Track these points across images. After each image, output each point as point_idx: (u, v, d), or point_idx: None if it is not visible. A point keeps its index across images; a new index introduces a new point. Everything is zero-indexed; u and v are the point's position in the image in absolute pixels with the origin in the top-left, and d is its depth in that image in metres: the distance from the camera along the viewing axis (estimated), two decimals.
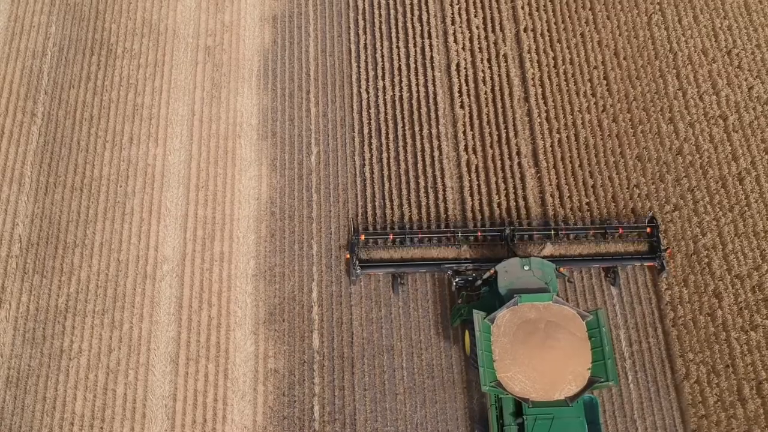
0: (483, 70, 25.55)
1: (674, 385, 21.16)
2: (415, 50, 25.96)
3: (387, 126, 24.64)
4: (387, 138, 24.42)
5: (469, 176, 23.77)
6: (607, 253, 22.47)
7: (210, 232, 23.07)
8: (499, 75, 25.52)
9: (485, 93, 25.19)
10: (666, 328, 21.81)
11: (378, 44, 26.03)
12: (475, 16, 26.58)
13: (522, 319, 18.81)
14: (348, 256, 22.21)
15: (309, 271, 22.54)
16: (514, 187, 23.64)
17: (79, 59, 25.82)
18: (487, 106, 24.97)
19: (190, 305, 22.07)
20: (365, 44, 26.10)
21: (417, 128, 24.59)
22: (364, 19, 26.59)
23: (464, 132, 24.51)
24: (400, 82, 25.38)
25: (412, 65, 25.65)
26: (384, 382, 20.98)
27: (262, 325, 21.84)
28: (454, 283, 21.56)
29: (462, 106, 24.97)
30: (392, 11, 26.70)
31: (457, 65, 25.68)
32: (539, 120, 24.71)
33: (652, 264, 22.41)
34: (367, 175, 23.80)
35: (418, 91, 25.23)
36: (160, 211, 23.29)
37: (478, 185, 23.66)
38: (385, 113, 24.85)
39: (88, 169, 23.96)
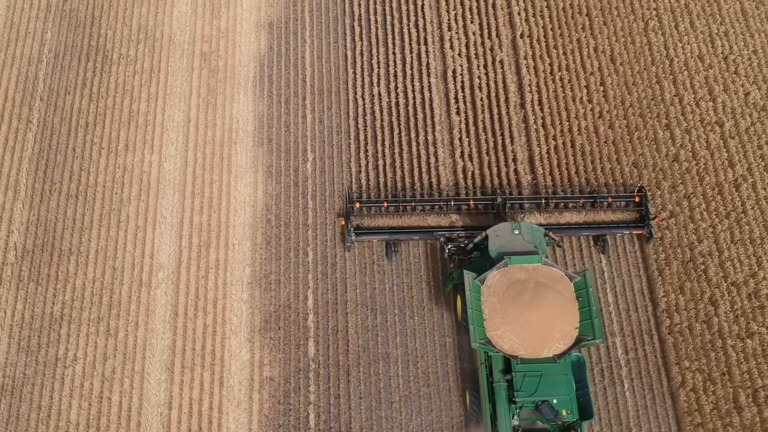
0: (479, 77, 25.54)
1: (670, 393, 21.13)
2: (412, 56, 25.93)
3: (383, 133, 24.61)
4: (383, 145, 24.38)
5: (465, 182, 23.74)
6: (596, 222, 22.80)
7: (205, 240, 23.03)
8: (496, 81, 25.49)
9: (481, 99, 25.17)
10: (662, 335, 21.78)
11: (374, 50, 26.01)
12: (472, 23, 26.55)
13: (511, 280, 19.18)
14: (343, 222, 22.49)
15: (305, 278, 22.50)
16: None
17: (74, 66, 25.78)
18: (483, 112, 24.94)
19: (185, 313, 22.03)
20: (361, 50, 26.05)
21: (413, 135, 24.57)
22: (360, 26, 26.55)
23: (460, 139, 24.47)
24: (396, 88, 25.35)
25: (409, 71, 25.62)
26: (380, 390, 20.93)
27: (257, 332, 21.79)
28: (447, 250, 21.71)
29: (458, 113, 24.94)
30: (388, 17, 26.66)
31: (454, 71, 25.65)
32: (535, 126, 24.67)
33: (640, 232, 22.65)
34: (363, 182, 23.76)
35: (414, 98, 25.20)
36: (156, 219, 23.24)
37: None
38: (381, 120, 24.82)
39: (83, 176, 23.92)
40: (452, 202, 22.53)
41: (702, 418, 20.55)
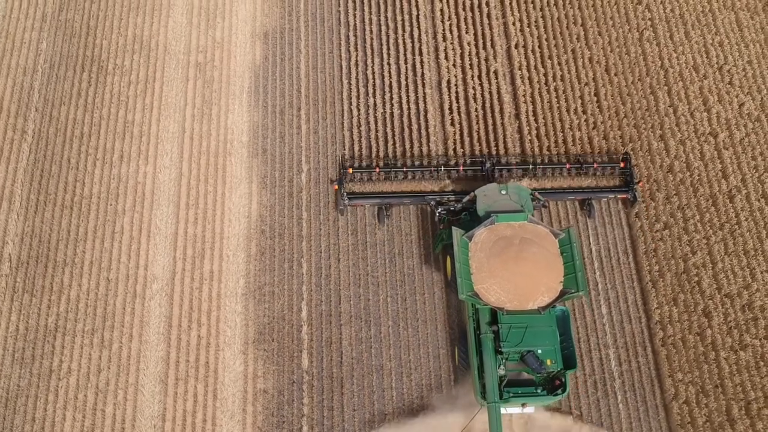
0: (474, 87, 25.56)
1: (663, 405, 21.15)
2: (406, 67, 25.97)
3: (377, 143, 24.63)
4: (377, 156, 24.39)
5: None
6: (582, 187, 23.56)
7: (200, 251, 23.06)
8: (490, 92, 25.52)
9: (476, 110, 25.20)
10: (655, 347, 21.81)
11: (369, 61, 26.05)
12: (467, 33, 26.59)
13: (498, 236, 20.01)
14: (336, 187, 23.07)
15: (299, 290, 22.53)
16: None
17: (69, 76, 25.81)
18: (477, 123, 24.97)
19: (179, 325, 22.06)
20: (356, 61, 26.10)
21: (408, 145, 24.60)
22: (355, 36, 26.59)
23: (455, 149, 24.50)
24: (391, 99, 25.38)
25: (403, 82, 25.66)
26: (373, 403, 20.97)
27: (251, 344, 21.82)
28: (437, 214, 22.48)
29: (453, 124, 24.96)
30: (383, 27, 26.71)
31: (448, 82, 25.69)
32: (530, 137, 24.69)
33: (624, 196, 23.28)
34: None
35: (408, 108, 25.23)
36: (150, 230, 23.28)
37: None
38: (376, 131, 24.84)
39: (78, 187, 23.95)
40: (442, 168, 23.30)
41: (695, 430, 20.58)
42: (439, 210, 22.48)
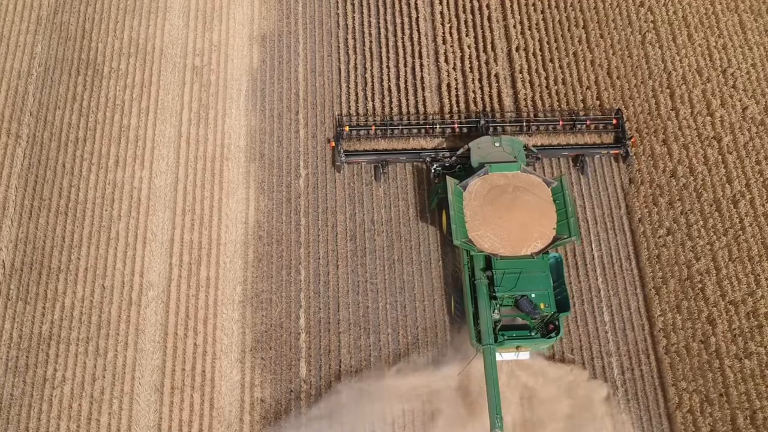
0: (474, 91, 25.22)
1: (667, 414, 20.84)
2: (406, 70, 25.64)
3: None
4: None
5: None
6: (575, 144, 23.94)
7: (196, 257, 22.74)
8: (491, 95, 25.18)
9: (477, 113, 24.84)
10: (659, 355, 21.49)
11: (368, 64, 25.72)
12: (467, 36, 26.26)
13: (492, 185, 20.58)
14: (332, 144, 23.40)
15: (296, 297, 22.21)
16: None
17: (65, 80, 25.47)
18: None
19: (175, 332, 21.73)
20: (355, 64, 25.76)
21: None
22: (354, 39, 26.26)
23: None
24: (390, 102, 25.03)
25: (402, 85, 25.33)
26: (372, 413, 20.61)
27: (248, 352, 21.50)
28: (433, 170, 22.85)
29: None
30: (383, 30, 26.38)
31: (448, 85, 25.34)
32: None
33: (617, 152, 23.60)
34: (356, 200, 23.50)
35: (408, 112, 24.88)
36: (146, 236, 22.94)
37: None
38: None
39: (73, 193, 23.62)
40: (438, 126, 23.63)
41: None
42: (435, 166, 22.79)
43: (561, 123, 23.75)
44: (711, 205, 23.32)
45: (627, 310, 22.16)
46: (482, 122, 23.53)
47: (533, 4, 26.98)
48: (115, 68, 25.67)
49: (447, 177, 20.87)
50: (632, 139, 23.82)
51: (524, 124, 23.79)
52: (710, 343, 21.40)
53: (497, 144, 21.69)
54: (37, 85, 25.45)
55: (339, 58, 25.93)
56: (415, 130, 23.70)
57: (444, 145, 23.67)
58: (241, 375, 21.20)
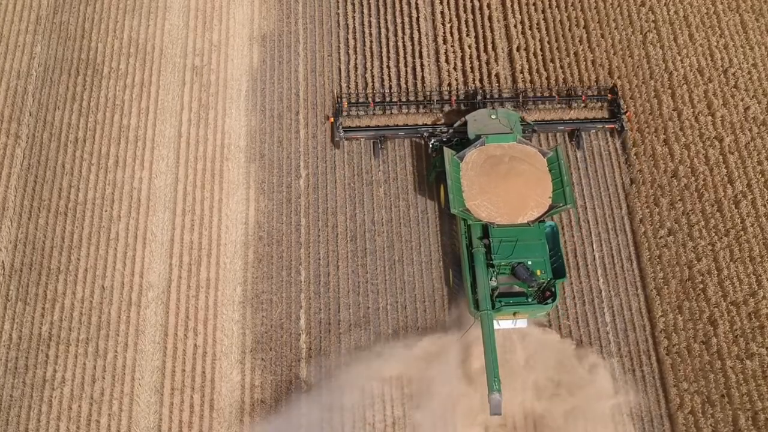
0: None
1: (668, 415, 20.78)
2: (406, 70, 25.55)
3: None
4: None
5: None
6: (571, 119, 24.39)
7: (196, 258, 22.67)
8: (492, 95, 25.07)
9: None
10: (660, 356, 21.43)
11: (368, 64, 25.63)
12: (467, 36, 26.18)
13: (488, 155, 21.04)
14: (331, 119, 23.78)
15: (297, 298, 22.14)
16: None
17: (64, 80, 25.39)
18: None
19: (175, 333, 21.66)
20: (355, 64, 25.69)
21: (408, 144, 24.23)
22: (354, 38, 26.18)
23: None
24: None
25: (403, 85, 25.24)
26: (373, 415, 20.54)
27: (248, 353, 21.44)
28: (430, 145, 23.19)
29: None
30: (383, 30, 26.29)
31: (449, 85, 25.26)
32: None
33: (612, 126, 24.08)
34: (356, 200, 23.45)
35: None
36: (146, 236, 22.87)
37: None
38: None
39: (72, 193, 23.54)
40: (435, 102, 24.09)
41: None
42: (432, 141, 23.11)
43: (557, 98, 24.12)
44: (712, 206, 23.25)
45: (628, 311, 22.10)
46: (479, 97, 24.05)
47: (534, 4, 26.91)
48: (114, 68, 25.59)
49: (444, 148, 21.34)
50: (627, 113, 24.10)
51: (521, 99, 24.12)
52: (712, 344, 21.34)
53: (494, 116, 22.15)
54: (37, 85, 25.37)
55: (339, 58, 25.85)
56: (413, 107, 24.12)
57: (442, 121, 24.05)
58: (242, 376, 21.14)
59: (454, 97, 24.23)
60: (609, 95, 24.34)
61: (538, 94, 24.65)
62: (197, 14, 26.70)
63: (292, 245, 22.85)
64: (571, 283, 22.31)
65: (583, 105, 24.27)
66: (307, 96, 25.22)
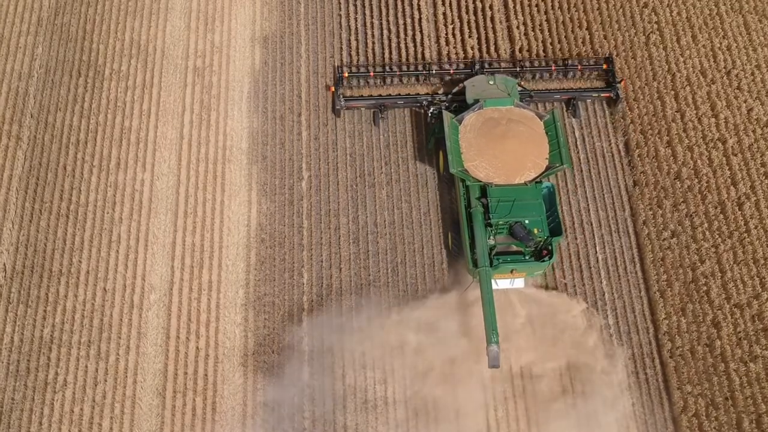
0: None
1: (672, 418, 20.74)
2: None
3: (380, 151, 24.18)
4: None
5: None
6: (567, 88, 24.85)
7: (198, 260, 22.61)
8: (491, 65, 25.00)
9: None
10: (663, 359, 21.37)
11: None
12: (470, 37, 26.11)
13: (486, 118, 21.55)
14: (332, 89, 24.18)
15: (299, 300, 22.09)
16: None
17: (65, 81, 25.33)
18: None
19: (177, 336, 21.61)
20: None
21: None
22: (357, 40, 26.13)
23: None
24: None
25: None
26: (376, 418, 20.51)
27: (251, 356, 21.38)
28: (429, 114, 23.53)
29: None
30: (385, 32, 26.24)
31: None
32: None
33: (608, 95, 24.49)
34: (359, 202, 23.39)
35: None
36: (148, 239, 22.81)
37: None
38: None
39: (74, 195, 23.48)
40: (434, 70, 24.60)
41: None
42: (431, 110, 23.43)
43: (553, 68, 24.58)
44: (716, 208, 23.20)
45: (631, 313, 22.05)
46: (477, 67, 24.35)
47: (536, 5, 26.85)
48: (116, 70, 25.53)
49: (443, 111, 21.80)
50: (622, 82, 24.44)
51: (518, 69, 24.54)
52: (715, 347, 21.28)
53: (491, 82, 22.64)
54: (38, 87, 25.31)
55: (341, 60, 25.78)
56: (413, 78, 24.63)
57: (441, 90, 24.44)
58: (244, 379, 21.08)
59: (452, 69, 24.68)
60: (604, 65, 24.73)
61: (536, 65, 25.15)
62: (199, 16, 26.64)
63: (294, 247, 22.79)
64: (575, 285, 22.26)
65: (579, 75, 24.95)
66: (309, 97, 25.17)
